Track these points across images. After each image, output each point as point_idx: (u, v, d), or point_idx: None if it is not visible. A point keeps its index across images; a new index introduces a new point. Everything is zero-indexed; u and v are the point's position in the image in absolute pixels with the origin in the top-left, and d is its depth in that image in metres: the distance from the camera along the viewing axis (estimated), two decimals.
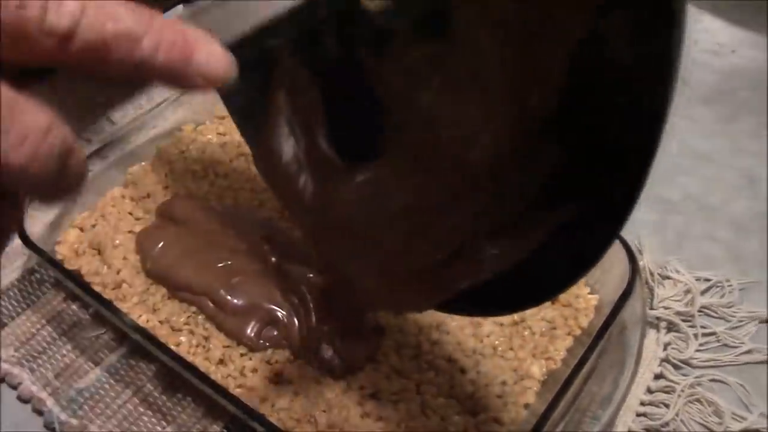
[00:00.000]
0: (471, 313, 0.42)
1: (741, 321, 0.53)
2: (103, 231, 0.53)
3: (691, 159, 0.66)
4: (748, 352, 0.52)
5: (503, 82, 0.32)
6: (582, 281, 0.52)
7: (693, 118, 0.69)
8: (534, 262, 0.34)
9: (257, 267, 0.50)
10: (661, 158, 0.71)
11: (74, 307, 0.51)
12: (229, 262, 0.50)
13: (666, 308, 0.53)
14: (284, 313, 0.48)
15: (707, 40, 0.78)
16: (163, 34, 0.23)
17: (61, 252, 0.52)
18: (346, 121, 0.39)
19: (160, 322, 0.48)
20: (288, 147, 0.40)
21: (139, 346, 0.47)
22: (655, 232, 0.60)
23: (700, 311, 0.53)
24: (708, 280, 0.56)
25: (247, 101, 0.43)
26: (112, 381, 0.48)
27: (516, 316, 0.50)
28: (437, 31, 0.34)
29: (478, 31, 0.32)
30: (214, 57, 0.24)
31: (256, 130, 0.42)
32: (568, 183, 0.32)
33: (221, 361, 0.47)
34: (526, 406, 0.46)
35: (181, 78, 0.24)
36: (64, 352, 0.49)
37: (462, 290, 0.36)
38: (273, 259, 0.51)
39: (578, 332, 0.49)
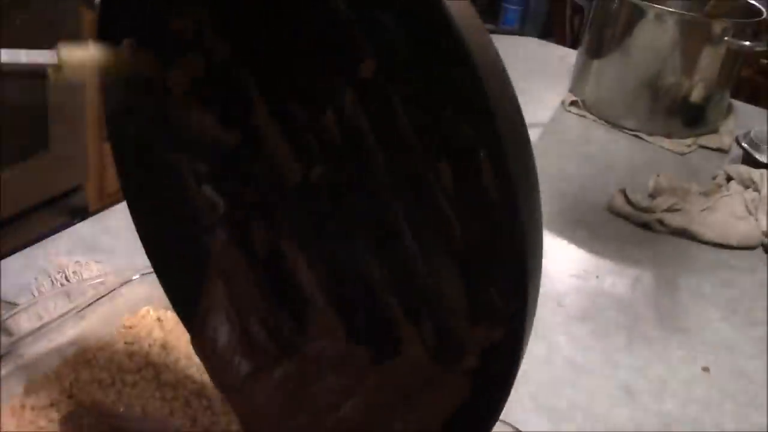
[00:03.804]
0: None
1: None
2: None
3: (573, 371, 0.71)
4: None
5: None
6: None
7: (571, 334, 0.76)
8: None
9: None
10: (547, 370, 0.76)
11: None
12: None
13: None
14: None
15: (574, 267, 0.87)
16: None
17: None
18: (282, 306, 0.41)
19: None
20: (223, 333, 0.42)
21: None
22: None
23: None
24: None
25: (186, 289, 0.44)
26: None
27: None
28: None
29: None
30: None
31: (193, 316, 0.44)
32: None
33: None
34: None
35: None
36: None
37: None
38: None
39: None
